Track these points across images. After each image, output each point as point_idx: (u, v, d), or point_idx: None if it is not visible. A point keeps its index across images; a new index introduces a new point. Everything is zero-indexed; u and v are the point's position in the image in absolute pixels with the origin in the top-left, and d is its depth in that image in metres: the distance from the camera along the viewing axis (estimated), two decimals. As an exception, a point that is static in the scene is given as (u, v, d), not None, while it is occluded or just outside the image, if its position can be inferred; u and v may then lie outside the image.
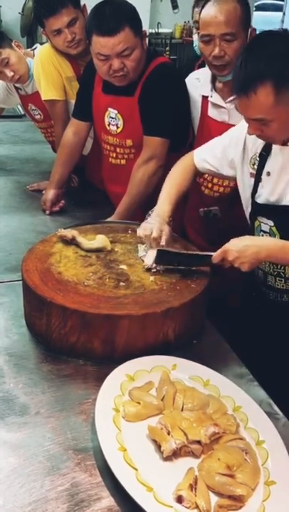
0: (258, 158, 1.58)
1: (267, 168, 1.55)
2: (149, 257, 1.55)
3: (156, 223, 1.60)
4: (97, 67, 2.00)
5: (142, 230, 1.61)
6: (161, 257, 1.52)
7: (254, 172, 1.60)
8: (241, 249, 1.42)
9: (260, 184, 1.58)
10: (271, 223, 1.56)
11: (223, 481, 1.01)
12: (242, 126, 1.60)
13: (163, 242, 1.57)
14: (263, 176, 1.57)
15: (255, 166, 1.59)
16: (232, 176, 1.73)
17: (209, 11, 1.82)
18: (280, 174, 1.51)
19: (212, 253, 1.48)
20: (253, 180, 1.61)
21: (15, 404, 1.22)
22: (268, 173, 1.55)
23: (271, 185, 1.54)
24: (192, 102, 2.13)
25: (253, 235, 1.64)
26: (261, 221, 1.59)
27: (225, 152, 1.70)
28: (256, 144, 1.59)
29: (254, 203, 1.61)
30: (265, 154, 1.56)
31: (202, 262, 1.54)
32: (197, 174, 1.82)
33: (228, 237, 2.15)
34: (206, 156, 1.76)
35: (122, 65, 1.92)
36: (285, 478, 1.05)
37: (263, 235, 1.59)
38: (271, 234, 1.57)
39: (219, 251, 1.46)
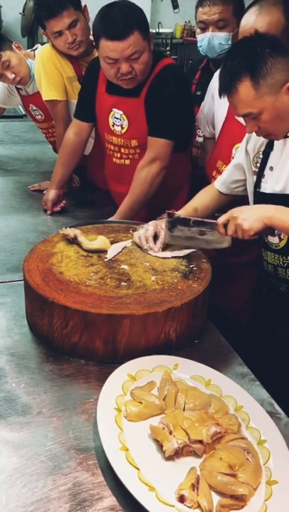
0: (260, 156, 1.62)
1: (270, 163, 1.58)
2: (112, 250, 1.63)
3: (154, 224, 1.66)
4: (104, 71, 1.99)
5: (136, 233, 1.68)
6: (173, 223, 1.56)
7: (256, 170, 1.63)
8: (247, 208, 1.46)
9: (263, 179, 1.61)
10: None
11: (225, 481, 1.01)
12: (244, 139, 1.70)
13: (161, 241, 1.64)
14: (266, 172, 1.60)
15: (258, 164, 1.63)
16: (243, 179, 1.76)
17: (249, 21, 1.71)
18: (284, 165, 1.53)
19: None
20: (255, 177, 1.64)
21: (17, 404, 1.23)
22: (271, 168, 1.58)
23: (275, 177, 1.56)
24: (218, 102, 2.05)
25: None
26: None
27: (234, 169, 1.76)
28: (257, 145, 1.64)
29: (256, 194, 1.64)
30: (268, 151, 1.60)
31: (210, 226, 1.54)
32: (221, 197, 1.84)
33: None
34: (222, 176, 1.84)
35: (130, 68, 1.91)
36: (287, 477, 1.05)
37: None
38: None
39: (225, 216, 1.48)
